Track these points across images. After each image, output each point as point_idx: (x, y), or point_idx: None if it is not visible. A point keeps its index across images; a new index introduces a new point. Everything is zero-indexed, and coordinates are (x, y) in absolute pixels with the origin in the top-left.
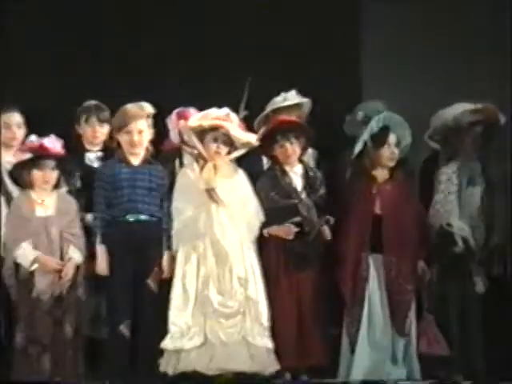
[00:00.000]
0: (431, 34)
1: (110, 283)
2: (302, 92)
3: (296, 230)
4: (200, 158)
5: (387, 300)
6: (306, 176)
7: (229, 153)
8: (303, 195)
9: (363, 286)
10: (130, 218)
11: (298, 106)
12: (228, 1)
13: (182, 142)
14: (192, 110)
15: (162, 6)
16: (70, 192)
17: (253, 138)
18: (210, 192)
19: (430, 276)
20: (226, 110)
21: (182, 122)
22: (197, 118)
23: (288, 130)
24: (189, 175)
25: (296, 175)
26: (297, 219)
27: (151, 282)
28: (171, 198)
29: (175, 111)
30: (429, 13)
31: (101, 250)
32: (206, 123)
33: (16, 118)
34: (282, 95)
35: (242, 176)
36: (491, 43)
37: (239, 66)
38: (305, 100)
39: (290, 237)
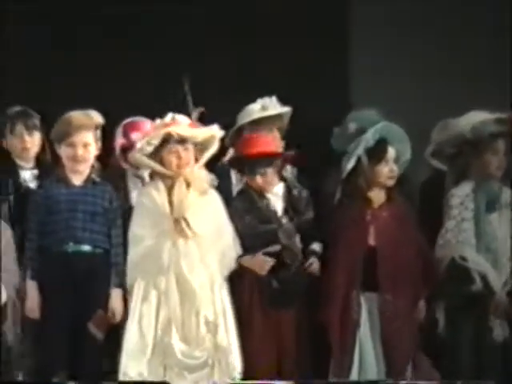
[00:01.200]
0: (431, 32)
1: (43, 328)
2: (281, 98)
3: (271, 262)
4: (166, 178)
5: (382, 348)
6: (289, 196)
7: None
8: (284, 219)
9: (354, 330)
10: (69, 248)
11: (279, 116)
12: None
13: (125, 161)
14: (144, 121)
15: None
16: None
17: (214, 131)
18: (180, 220)
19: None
20: (169, 116)
21: (134, 134)
22: (142, 136)
23: (266, 163)
24: (153, 195)
25: (275, 196)
26: (275, 248)
27: (93, 327)
28: (122, 224)
29: (123, 123)
30: (427, 9)
31: (31, 288)
32: (153, 139)
33: None
34: (259, 102)
35: (215, 196)
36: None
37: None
38: (287, 109)
39: (263, 272)
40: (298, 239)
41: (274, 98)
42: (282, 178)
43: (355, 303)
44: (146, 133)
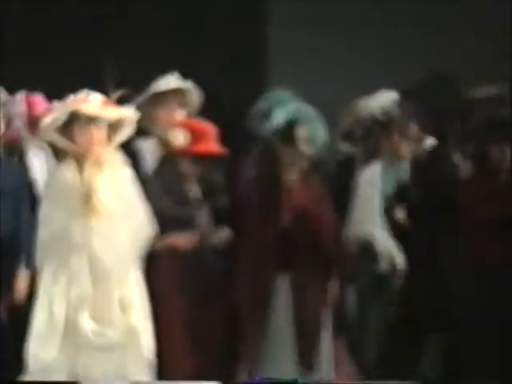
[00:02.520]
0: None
1: None
2: (197, 78)
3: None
4: (76, 155)
5: (294, 330)
6: (204, 182)
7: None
8: (198, 203)
9: (266, 313)
10: None
11: (181, 92)
12: None
13: (32, 134)
14: (40, 97)
15: None
16: None
17: (128, 112)
18: (91, 197)
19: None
20: (83, 93)
21: (41, 106)
22: (50, 113)
23: None
24: (63, 174)
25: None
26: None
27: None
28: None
29: (22, 95)
30: None
31: None
32: (61, 114)
33: None
34: (168, 78)
35: (128, 174)
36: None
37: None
38: (187, 85)
39: (188, 246)
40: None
41: (175, 75)
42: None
43: (268, 285)
44: (57, 107)
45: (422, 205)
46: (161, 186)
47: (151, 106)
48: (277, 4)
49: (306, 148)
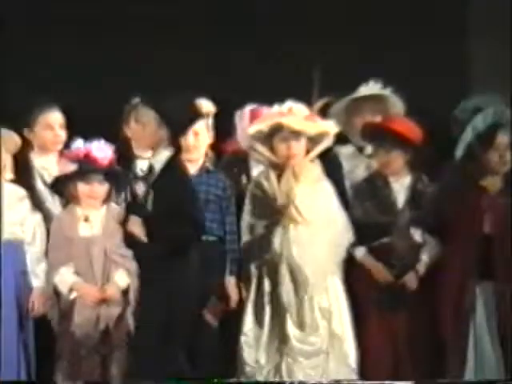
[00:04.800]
0: None
1: None
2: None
3: (388, 275)
4: (275, 166)
5: (498, 339)
6: (414, 189)
7: (308, 153)
8: (403, 214)
9: (468, 321)
10: None
11: (381, 99)
12: None
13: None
14: (266, 109)
15: None
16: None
17: (328, 126)
18: (290, 206)
19: None
20: (288, 104)
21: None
22: (255, 122)
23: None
24: (263, 185)
25: (400, 186)
26: (386, 241)
27: (208, 315)
28: (235, 212)
29: (248, 108)
30: None
31: None
32: (264, 125)
33: (58, 117)
34: (369, 85)
35: (326, 184)
36: None
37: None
38: (386, 91)
39: (381, 280)
40: (417, 233)
41: (373, 82)
42: (413, 170)
43: (470, 293)
44: (259, 119)
45: None
46: (367, 190)
47: (349, 113)
48: (478, 12)
49: (506, 154)
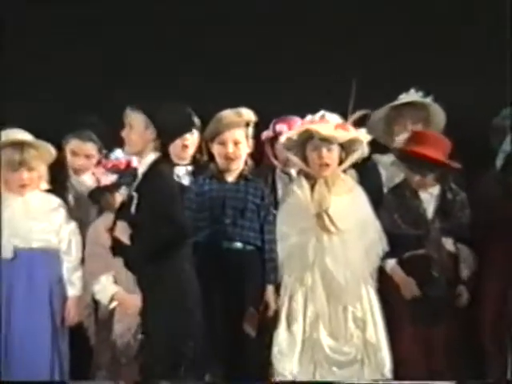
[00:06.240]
0: None
1: None
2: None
3: (417, 291)
4: (308, 175)
5: None
6: (443, 199)
7: (341, 162)
8: (433, 224)
9: (509, 328)
10: (221, 244)
11: (422, 106)
12: None
13: (275, 158)
14: (295, 118)
15: None
16: None
17: (360, 134)
18: (322, 216)
19: None
20: (320, 113)
21: (278, 126)
22: (287, 132)
23: (429, 168)
24: (296, 193)
25: (430, 196)
26: (419, 252)
27: (247, 326)
28: (274, 220)
29: (274, 121)
30: None
31: None
32: (294, 134)
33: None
34: (409, 93)
35: (360, 193)
36: None
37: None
38: (425, 100)
39: (408, 297)
40: (449, 242)
41: (412, 90)
42: (439, 180)
43: (510, 303)
44: (292, 128)
45: None
46: (395, 201)
47: (389, 122)
48: None
49: None
